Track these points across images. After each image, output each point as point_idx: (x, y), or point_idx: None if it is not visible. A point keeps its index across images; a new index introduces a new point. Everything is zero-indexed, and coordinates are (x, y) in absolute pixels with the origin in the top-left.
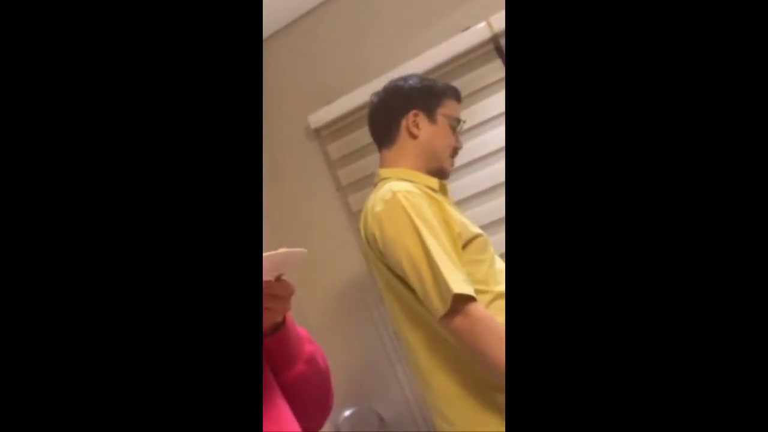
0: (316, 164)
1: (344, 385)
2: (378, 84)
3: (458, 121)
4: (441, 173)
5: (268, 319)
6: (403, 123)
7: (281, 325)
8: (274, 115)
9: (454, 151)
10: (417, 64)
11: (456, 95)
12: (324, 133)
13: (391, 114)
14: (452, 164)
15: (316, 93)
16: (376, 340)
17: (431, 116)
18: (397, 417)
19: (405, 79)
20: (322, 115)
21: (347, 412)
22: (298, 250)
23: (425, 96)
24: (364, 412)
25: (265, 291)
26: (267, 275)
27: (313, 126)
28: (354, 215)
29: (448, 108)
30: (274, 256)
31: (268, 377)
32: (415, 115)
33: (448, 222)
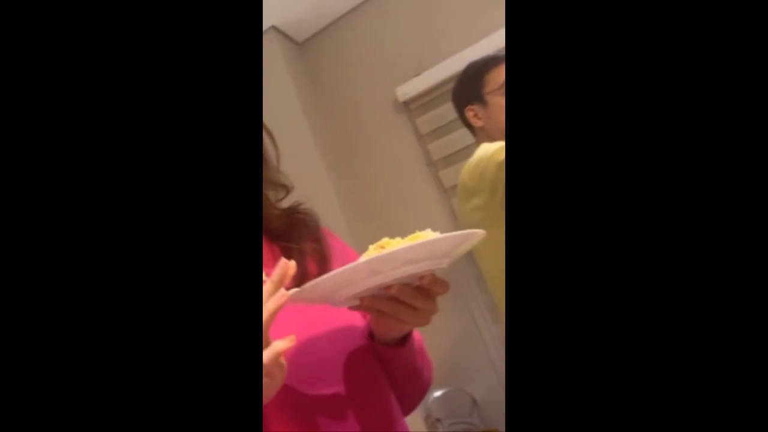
0: (405, 138)
1: (435, 365)
2: (467, 55)
3: None
4: None
5: (412, 323)
6: (469, 120)
7: (409, 336)
8: (361, 88)
9: None
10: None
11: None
12: (413, 106)
13: (459, 116)
14: None
15: (404, 65)
16: (468, 320)
17: (482, 102)
18: (489, 398)
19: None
20: (410, 88)
21: (437, 393)
22: (474, 231)
23: (468, 87)
24: (456, 393)
25: (425, 286)
26: (438, 263)
27: (401, 99)
28: (445, 191)
29: (495, 80)
30: (449, 239)
31: (385, 387)
32: (470, 110)
33: None
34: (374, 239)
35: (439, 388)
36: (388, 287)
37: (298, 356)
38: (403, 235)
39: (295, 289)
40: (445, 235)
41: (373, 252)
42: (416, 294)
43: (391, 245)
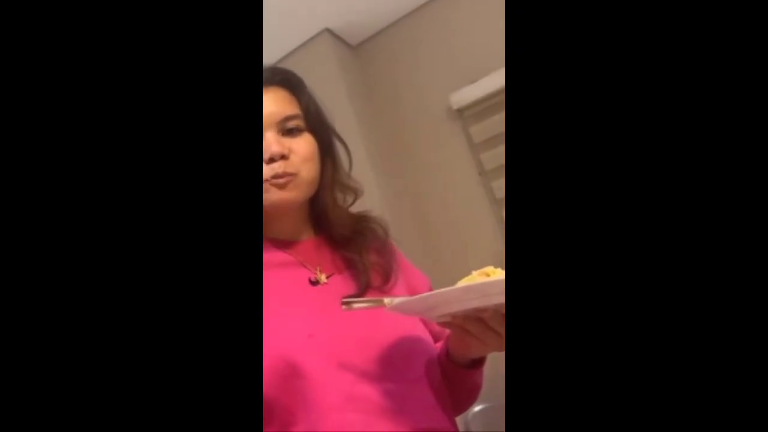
0: (458, 147)
1: None
2: None
3: None
4: None
5: (493, 348)
6: None
7: (483, 359)
8: (414, 94)
9: None
10: None
11: None
12: (467, 114)
13: None
14: None
15: (459, 71)
16: None
17: None
18: None
19: None
20: (465, 95)
21: (477, 408)
22: None
23: None
24: (496, 410)
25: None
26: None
27: (455, 106)
28: (498, 202)
29: None
30: None
31: (442, 388)
32: None
33: None
34: (420, 248)
35: (478, 403)
36: (483, 310)
37: (362, 350)
38: (451, 245)
39: (402, 298)
40: None
41: (477, 278)
42: (503, 321)
43: (496, 274)
